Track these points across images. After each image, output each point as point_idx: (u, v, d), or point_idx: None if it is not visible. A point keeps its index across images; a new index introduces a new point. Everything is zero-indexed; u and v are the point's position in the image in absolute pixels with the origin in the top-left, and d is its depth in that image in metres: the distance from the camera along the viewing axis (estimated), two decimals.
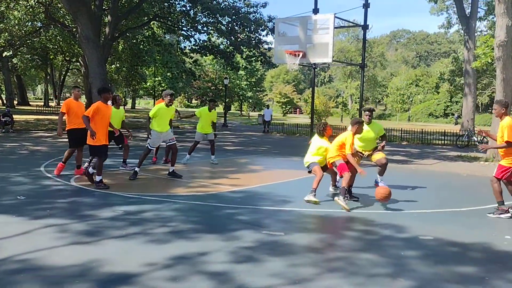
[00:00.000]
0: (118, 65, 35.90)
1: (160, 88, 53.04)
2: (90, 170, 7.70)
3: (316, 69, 15.04)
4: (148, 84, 51.17)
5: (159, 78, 51.28)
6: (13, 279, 3.65)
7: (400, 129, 23.85)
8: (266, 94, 73.80)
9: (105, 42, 22.20)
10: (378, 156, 7.83)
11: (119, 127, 9.15)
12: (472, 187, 8.80)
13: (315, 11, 13.55)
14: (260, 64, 30.01)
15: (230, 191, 7.73)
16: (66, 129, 8.55)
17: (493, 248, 4.94)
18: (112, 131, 8.53)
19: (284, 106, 67.83)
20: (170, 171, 8.90)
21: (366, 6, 13.17)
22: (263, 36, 24.90)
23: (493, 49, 14.99)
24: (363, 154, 7.89)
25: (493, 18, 25.29)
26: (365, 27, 13.67)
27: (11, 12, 24.49)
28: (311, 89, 16.61)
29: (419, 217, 6.32)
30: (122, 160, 9.82)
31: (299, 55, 11.91)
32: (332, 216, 6.29)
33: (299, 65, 13.62)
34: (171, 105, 8.93)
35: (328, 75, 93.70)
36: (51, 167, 9.55)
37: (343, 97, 66.29)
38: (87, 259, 4.17)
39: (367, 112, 7.92)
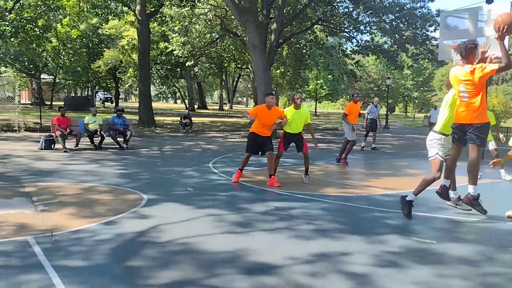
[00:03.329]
0: (282, 69, 37.59)
1: (322, 91, 53.75)
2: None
3: None
4: (310, 87, 52.37)
5: (321, 81, 52.03)
6: (174, 259, 4.21)
7: None
8: (436, 94, 68.51)
9: (270, 49, 23.56)
10: None
11: (300, 130, 8.35)
12: None
13: (489, 0, 12.13)
14: (427, 62, 28.05)
15: (382, 194, 7.51)
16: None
17: None
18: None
19: None
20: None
21: None
22: (431, 32, 23.26)
23: None
24: None
25: None
26: None
27: (193, 26, 27.79)
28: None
29: None
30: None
31: None
32: (497, 228, 5.61)
33: None
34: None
35: (511, 72, 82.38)
36: (218, 163, 10.61)
37: None
38: (237, 247, 4.57)
39: None
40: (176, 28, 27.77)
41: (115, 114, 13.99)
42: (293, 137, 8.31)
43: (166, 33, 31.32)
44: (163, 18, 26.74)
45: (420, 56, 25.25)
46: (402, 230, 5.35)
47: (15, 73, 24.78)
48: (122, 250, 4.39)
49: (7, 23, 18.73)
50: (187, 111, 30.08)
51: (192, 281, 3.70)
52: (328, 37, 32.36)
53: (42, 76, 41.41)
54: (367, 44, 26.53)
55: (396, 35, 23.77)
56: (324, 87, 53.18)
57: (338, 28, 26.72)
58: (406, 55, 25.77)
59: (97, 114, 14.02)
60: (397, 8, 22.34)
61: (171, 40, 29.98)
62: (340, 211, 6.22)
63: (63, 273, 3.75)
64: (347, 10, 25.65)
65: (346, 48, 30.29)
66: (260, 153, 8.43)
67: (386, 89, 35.72)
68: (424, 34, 23.59)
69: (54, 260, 4.04)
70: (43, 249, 4.31)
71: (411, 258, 4.37)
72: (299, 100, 8.32)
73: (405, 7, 22.69)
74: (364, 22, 25.07)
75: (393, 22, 23.31)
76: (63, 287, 3.49)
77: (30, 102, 44.76)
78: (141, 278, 3.74)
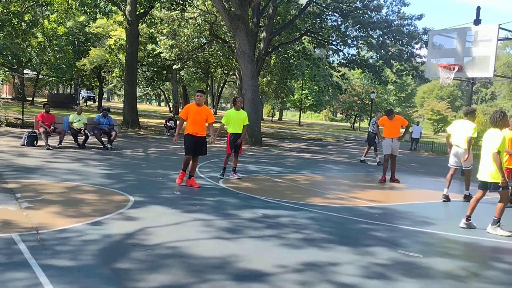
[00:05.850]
0: (269, 78, 37.76)
1: (306, 101, 54.13)
2: None
3: (474, 85, 13.80)
4: (295, 96, 52.71)
5: (306, 91, 52.44)
6: (163, 262, 4.17)
7: None
8: (417, 110, 69.83)
9: (259, 57, 23.66)
10: None
11: (241, 130, 9.35)
12: None
13: (477, 22, 12.47)
14: (411, 79, 28.60)
15: (368, 206, 7.58)
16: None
17: None
18: None
19: (436, 124, 63.34)
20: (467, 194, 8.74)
21: None
22: (417, 49, 23.74)
23: None
24: None
25: None
26: None
27: (182, 30, 27.72)
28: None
29: None
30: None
31: (454, 68, 11.10)
32: (481, 244, 5.72)
33: (456, 80, 12.70)
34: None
35: (490, 92, 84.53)
36: (204, 168, 10.55)
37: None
38: (226, 253, 4.54)
39: None
40: (164, 31, 27.67)
41: (100, 114, 13.81)
42: (235, 136, 9.28)
43: (154, 35, 31.16)
44: (153, 20, 26.61)
45: (405, 72, 25.70)
46: (389, 242, 5.40)
47: None
48: (110, 252, 4.32)
49: None
50: (171, 114, 29.90)
51: (182, 286, 3.66)
52: (315, 49, 32.71)
53: (25, 71, 40.64)
54: (353, 58, 26.88)
55: (382, 51, 24.16)
56: (309, 98, 53.61)
57: (326, 40, 27.02)
58: (390, 70, 26.21)
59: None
60: (385, 24, 22.73)
61: (159, 42, 29.83)
62: (328, 221, 6.26)
63: (50, 273, 3.67)
64: (335, 23, 25.98)
65: (333, 61, 30.62)
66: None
67: (370, 103, 36.17)
68: (409, 51, 24.06)
69: (40, 258, 3.96)
70: (28, 247, 4.21)
71: (399, 271, 4.42)
72: (239, 102, 9.49)
73: (393, 24, 23.11)
74: (352, 36, 25.43)
75: (380, 38, 23.71)
76: (51, 286, 3.41)
77: (11, 97, 43.84)
78: (130, 280, 3.68)
